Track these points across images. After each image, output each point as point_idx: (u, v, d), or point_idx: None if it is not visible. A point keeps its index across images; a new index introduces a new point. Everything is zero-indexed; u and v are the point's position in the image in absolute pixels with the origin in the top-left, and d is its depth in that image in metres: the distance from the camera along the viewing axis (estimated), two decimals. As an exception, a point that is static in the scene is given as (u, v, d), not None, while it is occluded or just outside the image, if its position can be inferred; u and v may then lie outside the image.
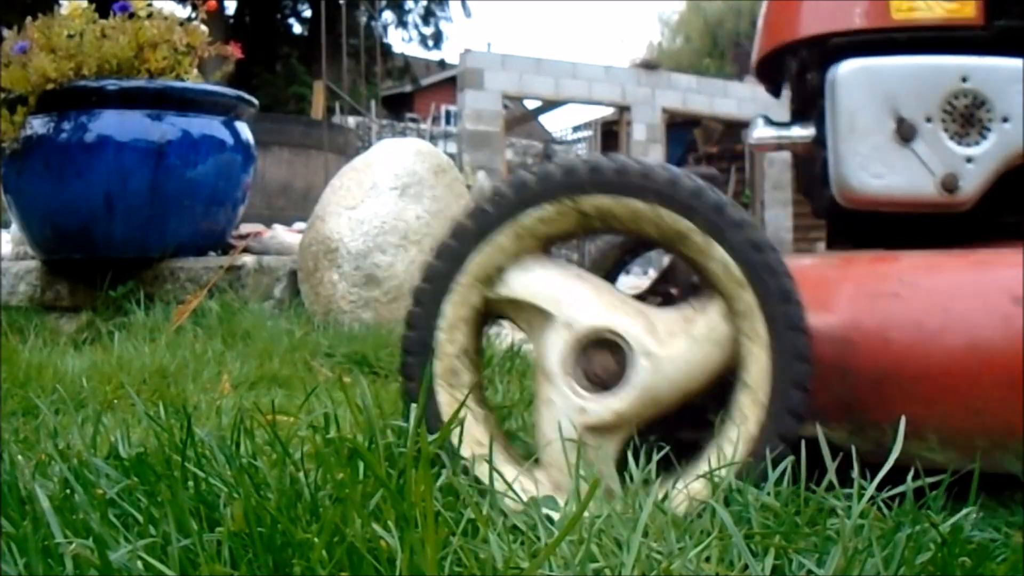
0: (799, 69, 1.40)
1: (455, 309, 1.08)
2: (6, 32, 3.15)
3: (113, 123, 3.10)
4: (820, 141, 1.34)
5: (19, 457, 0.83)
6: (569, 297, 1.06)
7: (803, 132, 1.37)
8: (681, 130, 14.00)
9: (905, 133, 1.24)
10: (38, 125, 3.11)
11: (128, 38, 3.11)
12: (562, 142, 16.50)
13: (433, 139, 13.11)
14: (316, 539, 0.71)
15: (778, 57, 1.42)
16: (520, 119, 14.61)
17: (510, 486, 0.98)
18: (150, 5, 3.21)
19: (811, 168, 1.40)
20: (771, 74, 1.50)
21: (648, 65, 12.68)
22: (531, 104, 13.38)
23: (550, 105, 13.20)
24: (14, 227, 3.69)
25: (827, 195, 1.32)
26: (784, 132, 1.39)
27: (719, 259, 1.03)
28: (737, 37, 21.96)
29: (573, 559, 0.76)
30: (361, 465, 0.83)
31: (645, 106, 12.25)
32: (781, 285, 1.02)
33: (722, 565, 0.79)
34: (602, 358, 1.05)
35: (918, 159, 1.24)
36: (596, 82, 11.93)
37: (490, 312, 1.11)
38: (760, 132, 1.40)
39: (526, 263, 1.08)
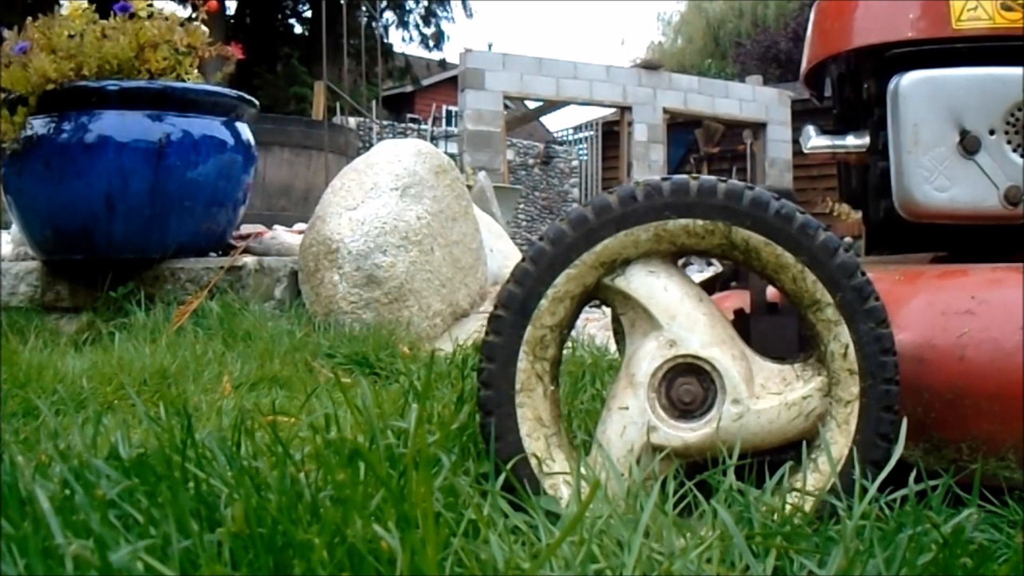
0: (852, 78, 1.39)
1: (569, 282, 1.05)
2: (6, 32, 3.15)
3: (114, 123, 3.10)
4: (874, 150, 1.32)
5: (19, 458, 0.83)
6: (684, 317, 1.04)
7: (858, 142, 1.36)
8: (682, 130, 14.00)
9: (969, 145, 1.22)
10: (38, 125, 3.11)
11: (128, 38, 3.11)
12: (563, 142, 16.50)
13: (434, 139, 13.10)
14: (317, 540, 0.71)
15: (830, 66, 1.40)
16: (521, 119, 14.61)
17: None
18: (150, 5, 3.21)
19: (863, 177, 1.39)
20: (822, 83, 1.49)
21: (649, 65, 12.68)
22: (532, 104, 13.38)
23: (551, 105, 13.20)
24: (14, 227, 3.69)
25: (884, 205, 1.30)
26: (838, 141, 1.38)
27: (843, 341, 1.02)
28: (739, 37, 21.96)
29: (574, 560, 0.76)
30: (362, 466, 0.83)
31: (646, 106, 12.24)
32: (887, 390, 1.01)
33: (723, 566, 0.79)
34: (690, 384, 1.04)
35: (982, 172, 1.23)
36: (597, 82, 11.92)
37: (594, 296, 1.10)
38: (815, 141, 1.39)
39: (654, 265, 1.06)
